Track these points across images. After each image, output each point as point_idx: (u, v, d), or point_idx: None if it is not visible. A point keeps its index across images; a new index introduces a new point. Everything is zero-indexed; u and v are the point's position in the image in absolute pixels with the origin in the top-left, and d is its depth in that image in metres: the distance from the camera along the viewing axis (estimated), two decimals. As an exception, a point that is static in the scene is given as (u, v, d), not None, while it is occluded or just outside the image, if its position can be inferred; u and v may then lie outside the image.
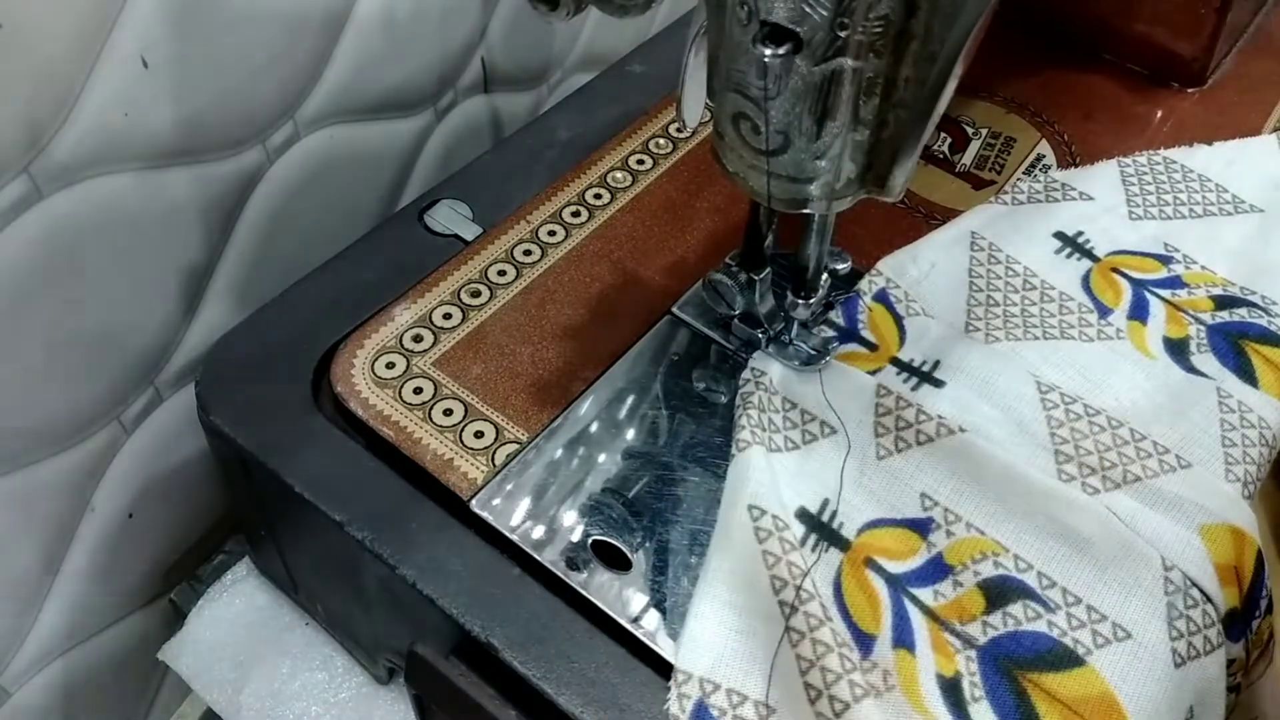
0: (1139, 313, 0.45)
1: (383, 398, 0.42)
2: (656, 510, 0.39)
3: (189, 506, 0.52)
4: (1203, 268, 0.47)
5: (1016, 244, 0.47)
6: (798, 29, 0.30)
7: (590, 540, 0.38)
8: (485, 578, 0.37)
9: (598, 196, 0.50)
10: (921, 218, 0.50)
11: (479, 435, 0.41)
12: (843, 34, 0.30)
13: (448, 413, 0.41)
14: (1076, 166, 0.52)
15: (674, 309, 0.45)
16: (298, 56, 0.46)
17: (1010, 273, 0.46)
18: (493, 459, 0.40)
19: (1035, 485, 0.38)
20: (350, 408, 0.42)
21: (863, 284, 0.45)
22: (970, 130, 0.54)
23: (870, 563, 0.37)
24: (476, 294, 0.46)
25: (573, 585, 0.37)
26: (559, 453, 0.40)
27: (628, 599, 0.37)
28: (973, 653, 0.35)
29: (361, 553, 0.38)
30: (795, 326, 0.43)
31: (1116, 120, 0.54)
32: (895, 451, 0.40)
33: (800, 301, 0.41)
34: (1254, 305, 0.45)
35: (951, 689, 0.34)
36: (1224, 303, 0.45)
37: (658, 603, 0.36)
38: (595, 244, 0.48)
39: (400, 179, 0.57)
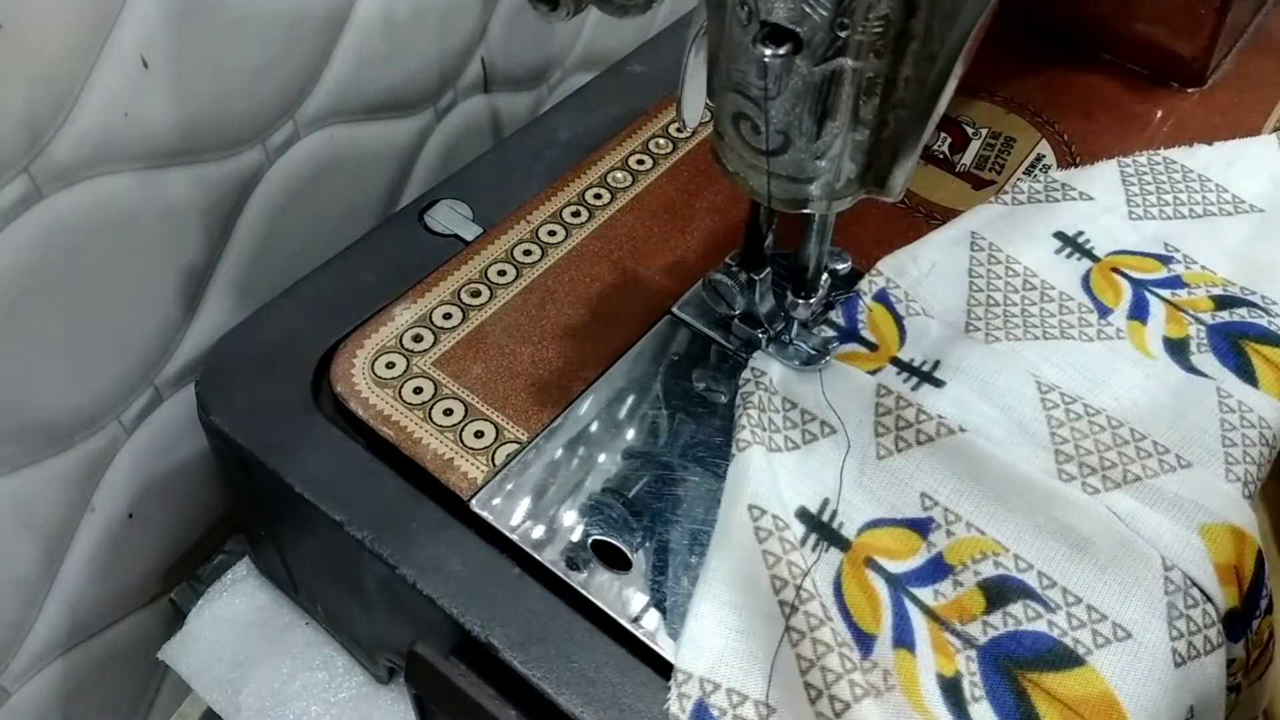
0: (1139, 313, 0.45)
1: (383, 398, 0.42)
2: (656, 510, 0.39)
3: (189, 506, 0.52)
4: (1203, 268, 0.47)
5: (1016, 244, 0.47)
6: (798, 29, 0.30)
7: (590, 540, 0.38)
8: (485, 578, 0.37)
9: (598, 196, 0.50)
10: (921, 218, 0.50)
11: (479, 435, 0.41)
12: (843, 34, 0.30)
13: (448, 412, 0.41)
14: (1076, 166, 0.52)
15: (674, 309, 0.45)
16: (298, 56, 0.46)
17: (1010, 273, 0.46)
18: (493, 459, 0.40)
19: (1035, 485, 0.38)
20: (350, 408, 0.42)
21: (863, 284, 0.45)
22: (970, 130, 0.54)
23: (870, 562, 0.37)
24: (476, 294, 0.46)
25: (573, 585, 0.37)
26: (559, 452, 0.40)
27: (628, 599, 0.36)
28: (973, 652, 0.35)
29: (361, 553, 0.38)
30: (795, 326, 0.43)
31: (1116, 120, 0.54)
32: (895, 451, 0.40)
33: (800, 301, 0.41)
34: (1254, 305, 0.45)
35: (952, 689, 0.34)
36: (1224, 303, 0.45)
37: (658, 603, 0.36)
38: (595, 244, 0.48)
39: (400, 179, 0.57)
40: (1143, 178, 0.51)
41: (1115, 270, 0.47)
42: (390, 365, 0.43)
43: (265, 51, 0.45)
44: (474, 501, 0.39)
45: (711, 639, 0.35)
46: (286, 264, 0.50)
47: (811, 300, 0.41)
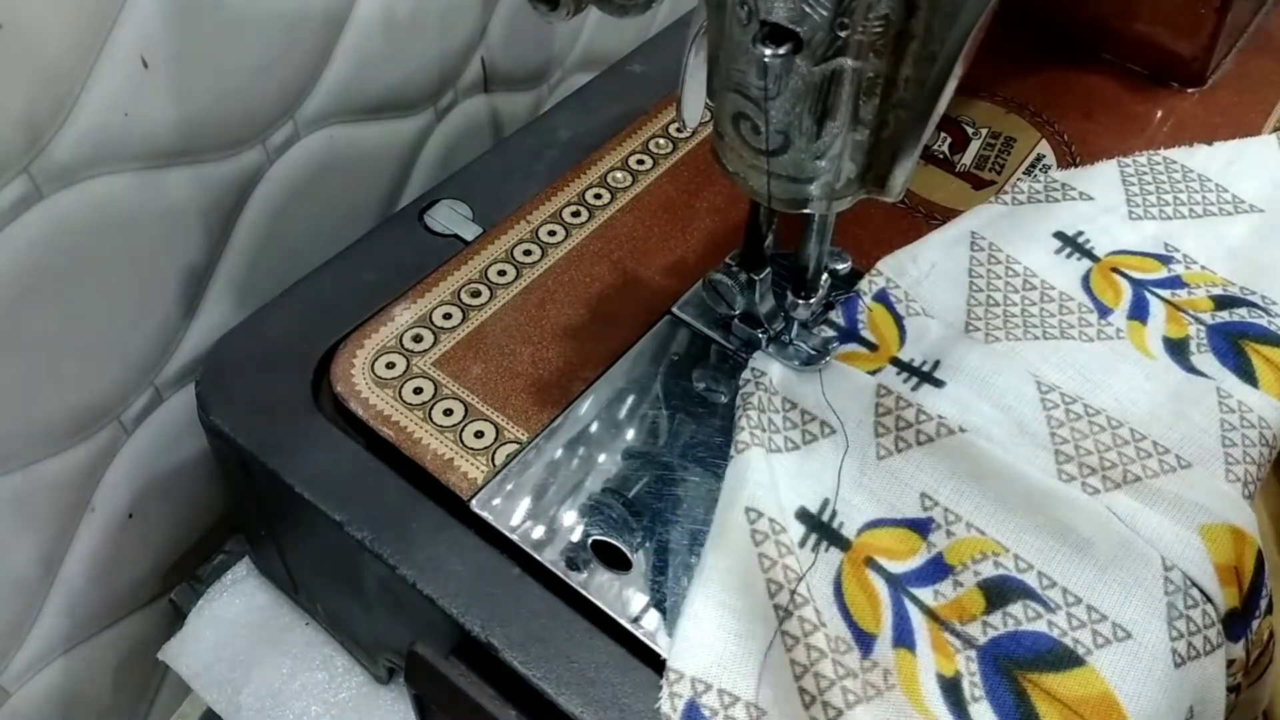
0: (1139, 312, 0.45)
1: (383, 398, 0.42)
2: (656, 510, 0.39)
3: (189, 506, 0.52)
4: (1203, 268, 0.47)
5: (1016, 244, 0.47)
6: (798, 29, 0.30)
7: (590, 540, 0.38)
8: (485, 578, 0.37)
9: (598, 196, 0.50)
10: (921, 218, 0.50)
11: (479, 435, 0.41)
12: (843, 34, 0.30)
13: (448, 413, 0.41)
14: (1076, 166, 0.52)
15: (674, 309, 0.45)
16: (297, 56, 0.46)
17: (1010, 273, 0.46)
18: (493, 459, 0.40)
19: (1035, 485, 0.38)
20: (350, 408, 0.42)
21: (863, 284, 0.45)
22: (970, 130, 0.54)
23: (870, 562, 0.37)
24: (476, 294, 0.46)
25: (573, 585, 0.37)
26: (559, 453, 0.40)
27: (628, 599, 0.36)
28: (973, 652, 0.35)
29: (361, 553, 0.38)
30: (795, 326, 0.43)
31: (1116, 120, 0.54)
32: (895, 451, 0.40)
33: (800, 301, 0.41)
34: (1254, 305, 0.45)
35: (951, 689, 0.34)
36: (1224, 303, 0.45)
37: (658, 603, 0.36)
38: (595, 244, 0.48)
39: (400, 179, 0.57)
40: (1143, 178, 0.51)
41: (1115, 270, 0.47)
42: (390, 365, 0.43)
43: (265, 51, 0.45)
44: (474, 502, 0.39)
45: (704, 639, 0.35)
46: (286, 264, 0.50)
47: (811, 300, 0.41)
